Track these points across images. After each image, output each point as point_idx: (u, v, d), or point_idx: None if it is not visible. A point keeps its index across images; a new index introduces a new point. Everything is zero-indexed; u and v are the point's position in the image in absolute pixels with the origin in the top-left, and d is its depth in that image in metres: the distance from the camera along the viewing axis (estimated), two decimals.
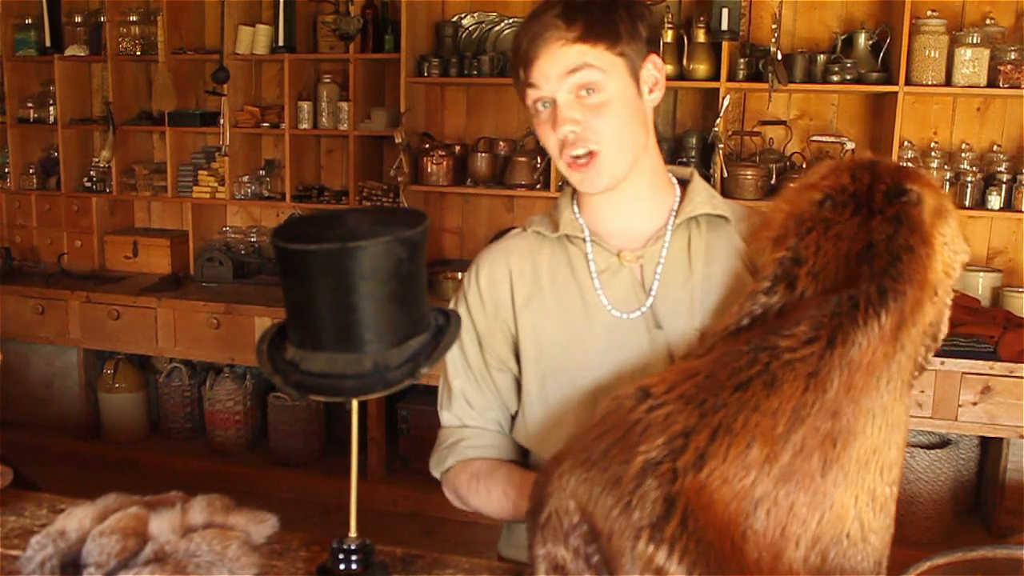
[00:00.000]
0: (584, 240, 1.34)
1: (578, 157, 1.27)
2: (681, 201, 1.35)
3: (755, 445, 0.91)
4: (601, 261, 1.33)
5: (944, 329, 1.08)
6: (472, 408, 1.41)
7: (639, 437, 0.92)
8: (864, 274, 0.97)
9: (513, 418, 1.42)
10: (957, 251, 1.05)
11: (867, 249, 1.00)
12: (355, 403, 1.08)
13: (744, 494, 0.91)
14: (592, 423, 1.00)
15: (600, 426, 0.97)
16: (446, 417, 1.44)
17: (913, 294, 0.97)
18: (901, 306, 0.96)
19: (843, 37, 3.46)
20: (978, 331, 3.03)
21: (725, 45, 3.39)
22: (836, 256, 1.02)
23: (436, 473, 1.43)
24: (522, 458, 1.42)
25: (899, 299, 0.96)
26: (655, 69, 1.31)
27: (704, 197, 1.34)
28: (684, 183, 1.39)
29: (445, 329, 1.09)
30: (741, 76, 3.44)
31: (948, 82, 3.25)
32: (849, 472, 0.93)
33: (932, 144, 3.47)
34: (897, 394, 0.97)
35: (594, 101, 1.25)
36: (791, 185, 1.16)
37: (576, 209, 1.37)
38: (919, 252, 0.99)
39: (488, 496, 1.35)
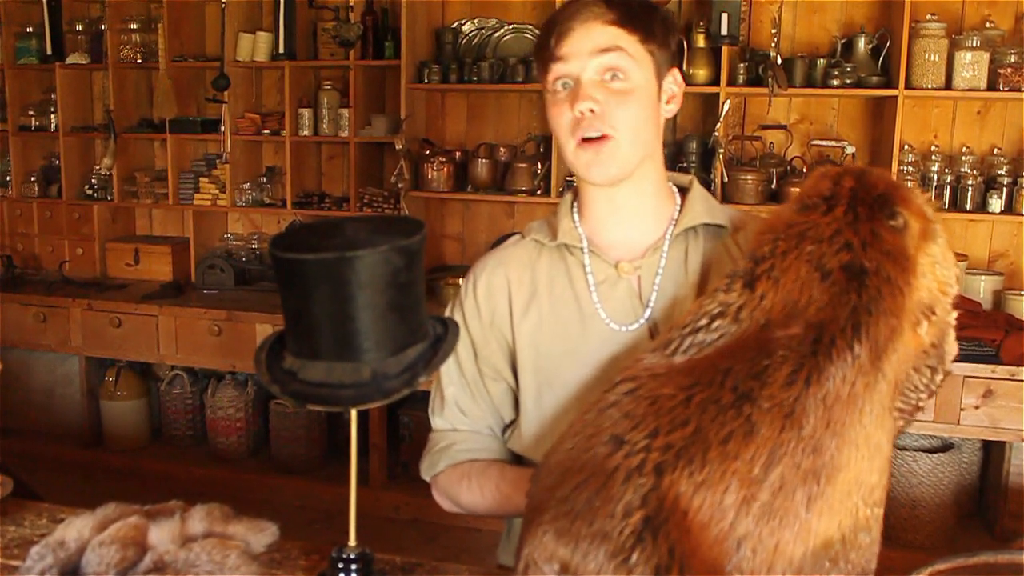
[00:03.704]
0: (582, 250, 1.34)
1: (589, 139, 1.26)
2: (681, 210, 1.35)
3: (731, 490, 0.91)
4: (599, 272, 1.32)
5: (950, 349, 1.06)
6: (466, 416, 1.41)
7: (622, 488, 0.91)
8: (839, 304, 0.96)
9: (508, 427, 1.42)
10: (948, 267, 1.04)
11: (841, 273, 0.98)
12: (353, 412, 1.08)
13: (724, 536, 0.91)
14: (564, 462, 0.99)
15: (577, 474, 0.95)
16: (437, 422, 1.43)
17: (887, 324, 0.96)
18: (875, 336, 0.95)
19: (843, 41, 3.46)
20: (980, 335, 3.03)
21: (725, 50, 3.39)
22: (800, 260, 1.00)
23: (427, 477, 1.43)
24: (516, 463, 1.41)
25: (872, 330, 0.95)
26: (675, 83, 1.33)
27: (702, 207, 1.34)
28: (684, 191, 1.38)
29: (443, 338, 1.08)
30: (741, 81, 3.44)
31: (948, 85, 3.25)
32: (834, 504, 0.93)
33: (932, 148, 3.47)
34: (879, 421, 0.96)
35: (618, 87, 1.25)
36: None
37: (576, 217, 1.37)
38: (897, 282, 0.97)
39: (481, 492, 1.35)
